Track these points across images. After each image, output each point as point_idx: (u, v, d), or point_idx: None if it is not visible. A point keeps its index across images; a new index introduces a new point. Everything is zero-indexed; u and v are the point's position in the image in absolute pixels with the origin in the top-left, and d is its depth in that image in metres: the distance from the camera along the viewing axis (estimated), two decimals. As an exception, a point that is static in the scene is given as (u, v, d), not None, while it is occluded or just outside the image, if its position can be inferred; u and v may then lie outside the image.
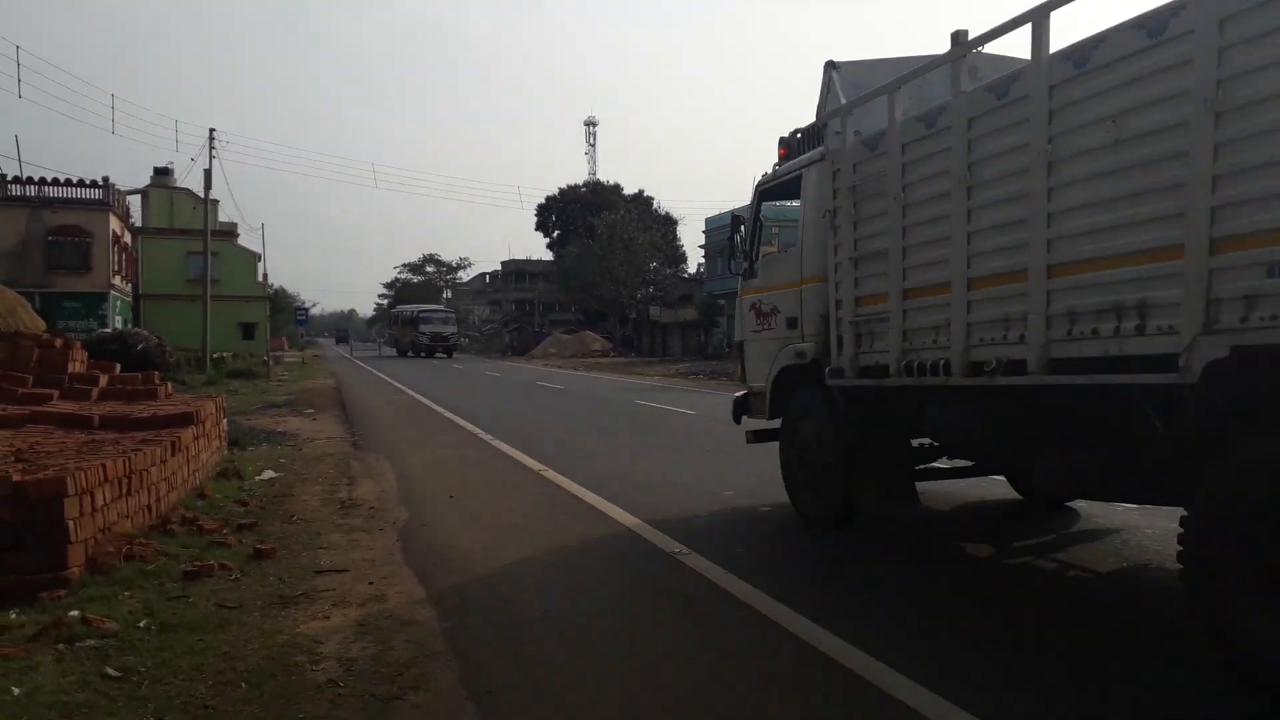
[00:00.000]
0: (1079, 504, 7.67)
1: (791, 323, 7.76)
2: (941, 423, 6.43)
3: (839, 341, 6.84)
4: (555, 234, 78.15)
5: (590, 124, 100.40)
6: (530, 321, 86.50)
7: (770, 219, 9.49)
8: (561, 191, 79.72)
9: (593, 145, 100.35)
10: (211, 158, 34.02)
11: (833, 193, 6.88)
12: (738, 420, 9.03)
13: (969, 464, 7.55)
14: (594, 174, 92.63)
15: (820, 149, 7.39)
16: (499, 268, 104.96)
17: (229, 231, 50.97)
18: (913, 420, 6.66)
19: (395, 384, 28.77)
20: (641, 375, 38.10)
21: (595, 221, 63.17)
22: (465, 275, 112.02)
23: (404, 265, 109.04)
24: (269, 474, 10.26)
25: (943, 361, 5.65)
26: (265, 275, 50.56)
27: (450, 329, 61.24)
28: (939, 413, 6.31)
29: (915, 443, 7.34)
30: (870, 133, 6.52)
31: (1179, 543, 4.31)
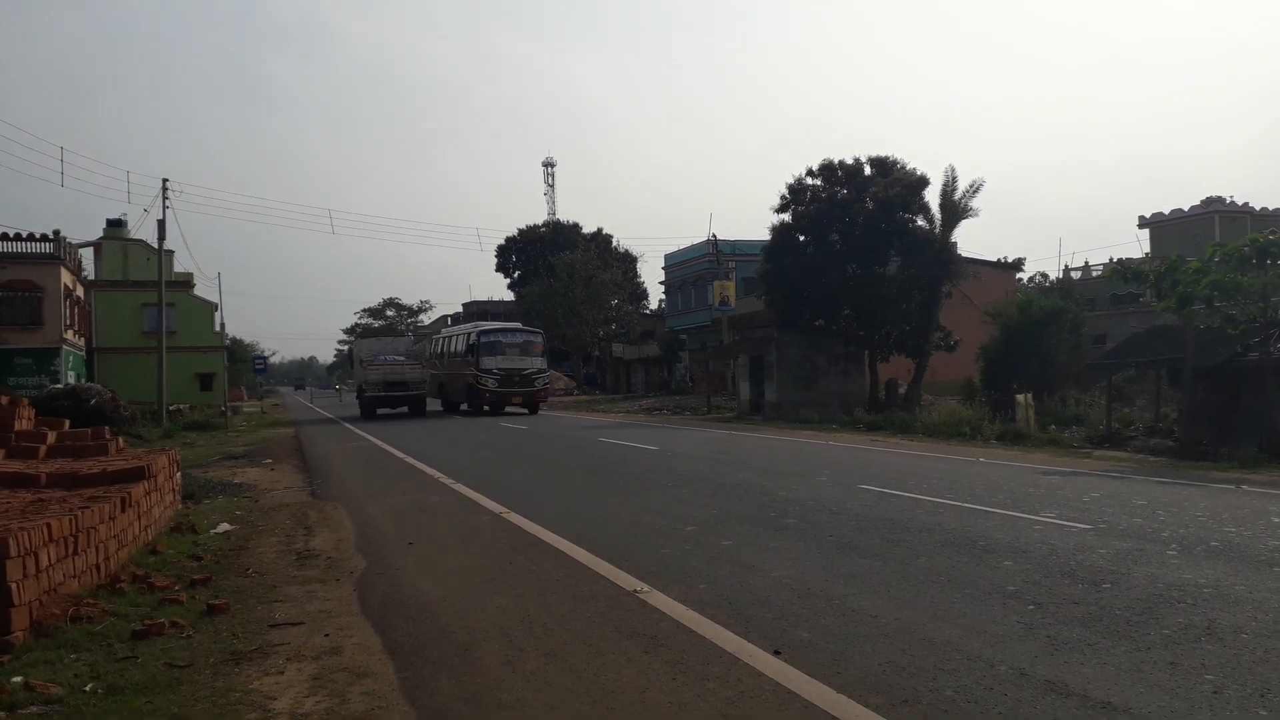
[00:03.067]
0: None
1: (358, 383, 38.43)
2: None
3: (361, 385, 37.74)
4: (516, 274, 78.22)
5: (549, 165, 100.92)
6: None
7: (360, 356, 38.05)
8: (521, 232, 79.99)
9: (551, 186, 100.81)
10: (165, 208, 33.72)
11: (354, 360, 39.85)
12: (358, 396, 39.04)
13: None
14: (554, 214, 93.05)
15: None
16: (460, 310, 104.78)
17: (185, 282, 50.40)
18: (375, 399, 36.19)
19: (356, 430, 28.45)
20: (605, 412, 38.07)
21: (555, 261, 63.30)
22: (427, 318, 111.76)
23: (364, 310, 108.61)
24: (224, 527, 10.08)
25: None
26: (222, 325, 49.98)
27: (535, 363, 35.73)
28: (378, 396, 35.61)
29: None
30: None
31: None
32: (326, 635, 5.82)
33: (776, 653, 5.14)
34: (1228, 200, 55.16)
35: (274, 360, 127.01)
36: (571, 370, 68.10)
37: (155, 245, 35.52)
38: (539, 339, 37.13)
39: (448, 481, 13.79)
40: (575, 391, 60.47)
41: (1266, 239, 16.98)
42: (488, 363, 34.43)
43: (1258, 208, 54.59)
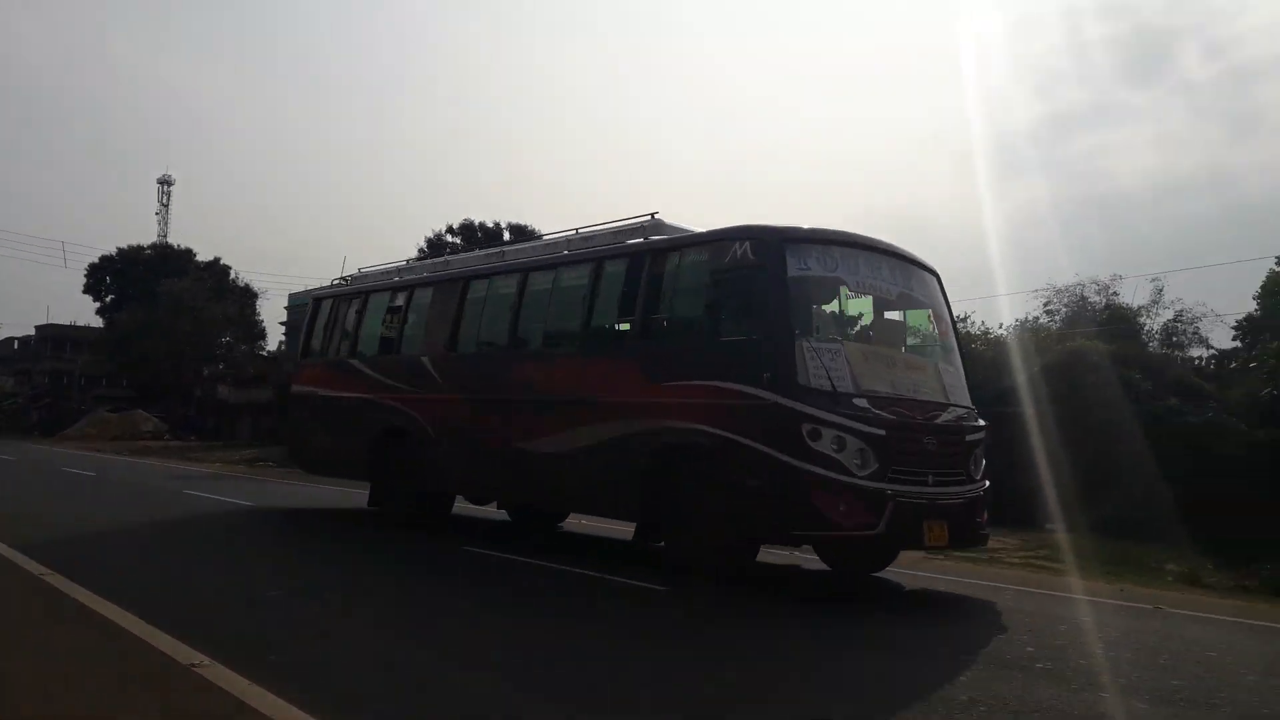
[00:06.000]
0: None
1: None
2: None
3: None
4: (109, 299, 69.72)
5: (165, 182, 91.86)
6: (69, 396, 75.24)
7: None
8: (121, 252, 71.68)
9: (165, 205, 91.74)
10: None
11: None
12: None
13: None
14: (164, 236, 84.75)
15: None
16: (33, 331, 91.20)
17: None
18: None
19: None
20: (200, 461, 34.92)
21: (159, 288, 57.28)
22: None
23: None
24: None
25: None
26: None
27: None
28: None
29: None
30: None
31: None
32: None
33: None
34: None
35: None
36: (168, 410, 61.34)
37: None
38: (933, 286, 9.82)
39: (-21, 534, 11.64)
40: (166, 435, 54.50)
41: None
42: (839, 379, 8.01)
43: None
